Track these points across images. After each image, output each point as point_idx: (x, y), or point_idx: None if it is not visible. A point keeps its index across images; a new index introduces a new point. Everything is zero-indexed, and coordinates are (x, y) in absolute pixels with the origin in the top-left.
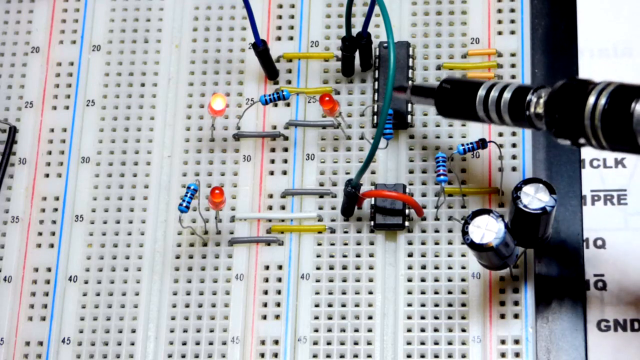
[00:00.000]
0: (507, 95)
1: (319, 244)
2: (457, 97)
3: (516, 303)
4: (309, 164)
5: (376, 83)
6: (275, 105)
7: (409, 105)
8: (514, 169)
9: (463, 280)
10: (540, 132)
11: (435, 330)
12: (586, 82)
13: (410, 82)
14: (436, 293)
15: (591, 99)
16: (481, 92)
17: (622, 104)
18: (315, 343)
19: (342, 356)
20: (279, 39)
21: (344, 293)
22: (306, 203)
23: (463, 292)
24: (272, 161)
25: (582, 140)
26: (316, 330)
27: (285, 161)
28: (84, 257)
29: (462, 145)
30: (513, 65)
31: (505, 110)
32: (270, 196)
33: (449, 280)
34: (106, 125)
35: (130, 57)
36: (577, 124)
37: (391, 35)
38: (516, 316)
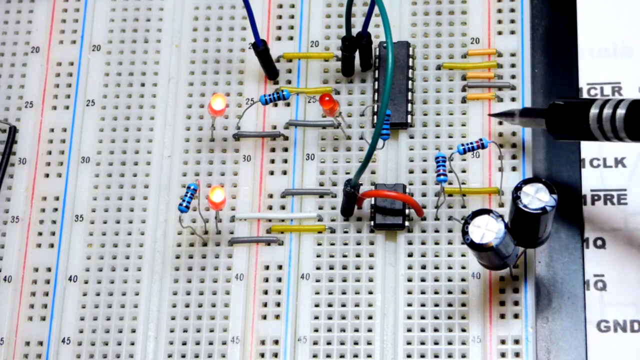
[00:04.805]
0: (620, 111)
1: (319, 244)
2: (568, 116)
3: (516, 303)
4: (309, 164)
5: (376, 83)
6: (275, 105)
7: (409, 105)
8: (514, 169)
9: (463, 280)
10: (540, 132)
11: (435, 330)
12: None
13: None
14: (436, 293)
15: None
16: (594, 110)
17: None
18: (315, 343)
19: (342, 356)
20: (279, 39)
21: (344, 293)
22: (306, 203)
23: (463, 292)
24: (272, 161)
25: None
26: (316, 330)
27: (285, 161)
28: (84, 257)
29: (462, 145)
30: (513, 65)
31: (621, 127)
32: (270, 196)
33: (449, 280)
34: (106, 125)
35: (130, 57)
36: None
37: (389, 35)
38: (516, 316)
